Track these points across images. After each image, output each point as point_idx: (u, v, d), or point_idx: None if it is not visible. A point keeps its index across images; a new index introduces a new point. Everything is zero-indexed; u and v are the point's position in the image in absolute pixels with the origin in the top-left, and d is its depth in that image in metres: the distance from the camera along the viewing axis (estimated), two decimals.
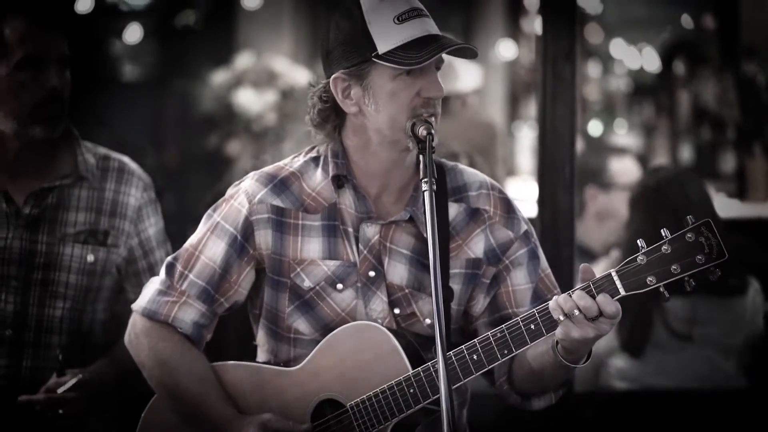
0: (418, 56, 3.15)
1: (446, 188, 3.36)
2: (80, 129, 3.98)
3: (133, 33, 10.42)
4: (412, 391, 3.20)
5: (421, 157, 3.12)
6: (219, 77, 9.62)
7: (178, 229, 4.30)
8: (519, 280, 3.36)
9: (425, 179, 3.07)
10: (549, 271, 3.41)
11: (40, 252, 3.84)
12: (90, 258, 3.87)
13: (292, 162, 3.40)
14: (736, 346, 5.02)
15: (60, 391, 3.69)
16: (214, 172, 9.29)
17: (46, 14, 3.80)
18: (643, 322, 4.94)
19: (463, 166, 3.44)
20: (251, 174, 3.40)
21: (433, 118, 3.21)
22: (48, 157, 3.87)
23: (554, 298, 3.09)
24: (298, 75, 9.56)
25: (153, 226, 3.98)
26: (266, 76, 9.49)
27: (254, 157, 9.21)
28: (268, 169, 3.40)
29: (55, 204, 3.85)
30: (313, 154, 3.39)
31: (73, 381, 3.69)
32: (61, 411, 3.69)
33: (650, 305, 4.93)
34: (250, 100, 9.41)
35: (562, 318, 3.06)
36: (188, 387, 3.33)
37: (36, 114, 3.76)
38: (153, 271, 3.94)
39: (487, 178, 3.43)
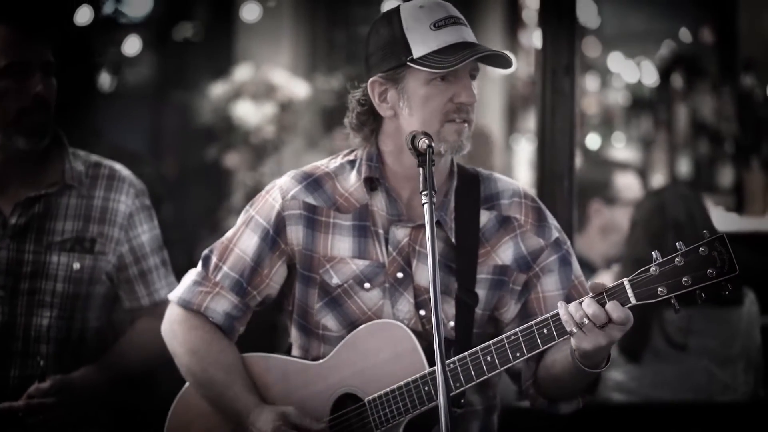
0: (451, 61, 3.23)
1: (479, 196, 3.44)
2: (77, 139, 3.99)
3: (132, 45, 10.40)
4: (426, 389, 3.28)
5: (420, 169, 3.15)
6: (218, 89, 9.62)
7: (177, 239, 4.32)
8: (549, 287, 3.42)
9: (425, 192, 3.11)
10: (583, 278, 3.48)
11: (26, 261, 3.85)
12: (76, 266, 3.87)
13: (329, 163, 3.50)
14: (733, 356, 5.02)
15: (38, 396, 3.71)
16: (212, 183, 9.30)
17: (30, 22, 3.81)
18: (642, 327, 4.96)
19: (498, 175, 3.52)
20: (289, 172, 3.50)
21: (465, 125, 3.31)
22: (36, 166, 3.88)
23: (562, 305, 3.15)
24: (297, 87, 9.57)
25: (146, 232, 3.97)
26: (265, 88, 9.50)
27: (253, 170, 9.22)
28: (305, 167, 3.50)
29: (42, 213, 3.86)
30: (351, 157, 3.49)
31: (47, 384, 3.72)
32: (41, 417, 3.71)
33: (649, 313, 4.94)
34: (248, 113, 9.42)
35: (575, 330, 3.10)
36: (215, 375, 3.43)
37: (21, 123, 3.77)
38: (145, 278, 3.95)
39: (520, 187, 3.51)
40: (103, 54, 9.99)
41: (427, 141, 3.18)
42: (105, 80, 10.00)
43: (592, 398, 3.44)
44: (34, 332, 3.86)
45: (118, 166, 4.02)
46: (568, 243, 3.50)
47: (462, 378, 3.26)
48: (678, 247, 3.14)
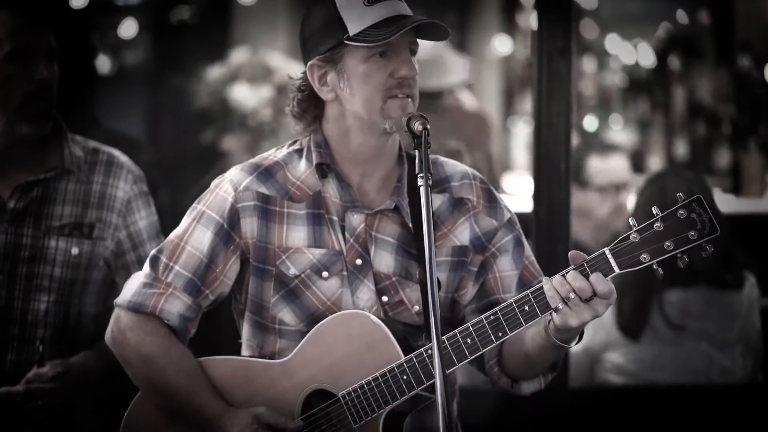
0: (386, 33, 3.18)
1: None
2: (74, 125, 3.98)
3: (128, 28, 10.38)
4: (405, 377, 3.22)
5: (417, 152, 3.13)
6: (214, 72, 9.59)
7: (173, 223, 4.30)
8: (505, 267, 3.39)
9: (421, 174, 3.08)
10: (533, 258, 3.44)
11: (25, 245, 3.83)
12: (74, 251, 3.86)
13: (275, 153, 3.43)
14: (732, 340, 5.03)
15: (38, 381, 3.70)
16: (209, 167, 9.27)
17: (34, 7, 3.79)
18: (641, 307, 4.96)
19: (444, 159, 3.47)
20: (236, 165, 3.42)
21: (409, 100, 3.25)
22: (35, 151, 3.87)
23: (546, 281, 3.12)
24: (294, 70, 9.54)
25: (144, 219, 3.97)
26: (261, 71, 9.47)
27: (249, 153, 9.20)
28: (252, 159, 3.43)
29: (40, 197, 3.85)
30: (296, 146, 3.42)
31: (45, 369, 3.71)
32: (40, 402, 3.70)
33: (648, 292, 4.94)
34: (245, 96, 9.39)
35: (560, 306, 3.08)
36: (177, 383, 3.33)
37: (25, 109, 3.76)
38: (143, 265, 3.95)
39: (469, 169, 3.47)
40: (100, 38, 9.96)
41: (422, 123, 3.16)
42: (101, 64, 9.98)
43: (554, 375, 3.39)
44: (32, 316, 3.85)
45: (117, 152, 4.01)
46: (518, 224, 3.45)
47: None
48: (654, 212, 3.12)
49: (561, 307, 3.09)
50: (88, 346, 3.87)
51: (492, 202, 3.43)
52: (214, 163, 9.31)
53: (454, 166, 3.46)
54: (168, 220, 4.16)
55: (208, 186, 3.45)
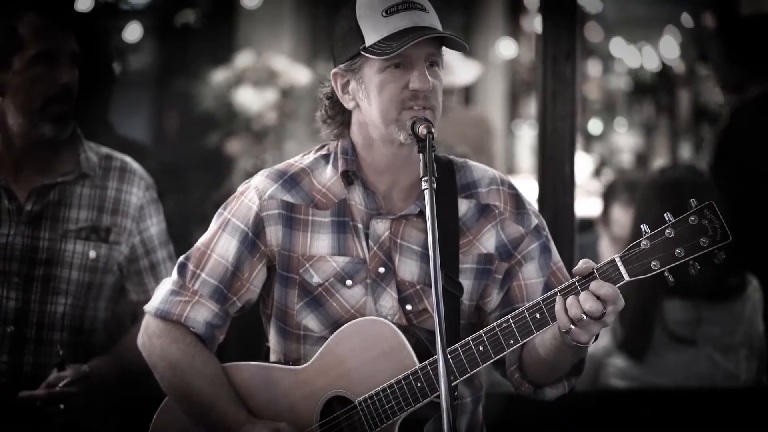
0: (395, 46, 3.17)
1: (456, 185, 3.38)
2: (85, 130, 3.99)
3: (133, 32, 10.39)
4: (419, 385, 3.22)
5: (421, 155, 3.13)
6: (219, 76, 9.62)
7: (178, 228, 4.32)
8: (531, 274, 3.38)
9: (425, 178, 3.08)
10: (561, 264, 3.42)
11: (42, 248, 3.85)
12: (92, 254, 3.88)
13: (302, 159, 3.43)
14: (735, 344, 5.02)
15: (61, 385, 3.70)
16: (214, 171, 9.29)
17: (58, 11, 3.83)
18: (643, 325, 4.93)
19: (473, 163, 3.45)
20: (262, 171, 3.42)
21: (428, 112, 3.23)
22: (51, 155, 3.90)
23: (559, 301, 3.11)
24: (298, 74, 9.57)
25: (155, 225, 3.99)
26: (266, 74, 9.49)
27: (254, 156, 9.21)
28: (279, 165, 3.43)
29: (56, 201, 3.88)
30: (324, 151, 3.42)
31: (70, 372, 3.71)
32: (62, 406, 3.70)
33: (650, 311, 4.92)
34: (250, 99, 9.41)
35: (572, 327, 3.07)
36: (200, 389, 3.34)
37: (47, 110, 3.79)
38: (155, 271, 3.96)
39: (498, 174, 3.45)
40: (104, 41, 9.97)
41: (427, 127, 3.15)
42: (106, 68, 9.99)
43: (578, 382, 3.40)
44: (48, 319, 3.86)
45: (129, 159, 4.04)
46: (547, 228, 3.44)
47: (456, 371, 3.21)
48: (666, 218, 3.09)
49: (573, 328, 3.10)
50: (99, 351, 3.88)
51: (519, 209, 3.41)
52: (219, 166, 9.32)
53: (483, 170, 3.45)
54: (173, 224, 4.17)
55: (226, 193, 3.45)
